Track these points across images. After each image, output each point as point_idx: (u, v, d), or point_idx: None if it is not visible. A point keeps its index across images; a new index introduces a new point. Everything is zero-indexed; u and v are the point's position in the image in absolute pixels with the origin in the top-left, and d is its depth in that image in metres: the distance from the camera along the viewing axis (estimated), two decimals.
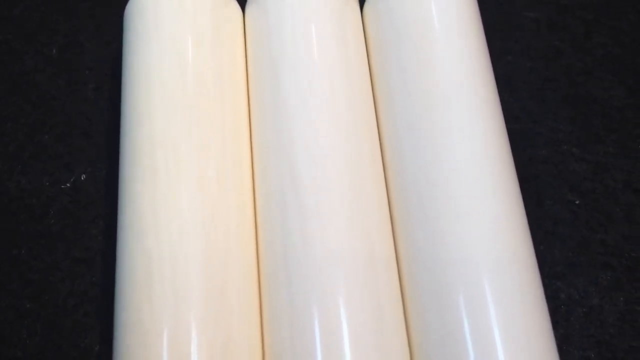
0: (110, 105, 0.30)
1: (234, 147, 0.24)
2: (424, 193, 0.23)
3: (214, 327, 0.21)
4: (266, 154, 0.24)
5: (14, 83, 0.31)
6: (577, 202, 0.28)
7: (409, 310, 0.23)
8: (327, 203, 0.22)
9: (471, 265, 0.22)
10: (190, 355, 0.20)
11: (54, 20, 0.32)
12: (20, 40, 0.32)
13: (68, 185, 0.28)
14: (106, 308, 0.25)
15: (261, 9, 0.27)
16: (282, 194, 0.23)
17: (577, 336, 0.26)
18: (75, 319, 0.25)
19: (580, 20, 0.33)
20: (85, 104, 0.30)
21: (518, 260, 0.22)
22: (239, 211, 0.23)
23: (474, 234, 0.22)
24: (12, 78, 0.31)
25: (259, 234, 0.24)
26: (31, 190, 0.28)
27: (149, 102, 0.24)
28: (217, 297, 0.21)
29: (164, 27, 0.25)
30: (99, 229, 0.27)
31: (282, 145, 0.24)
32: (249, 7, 0.28)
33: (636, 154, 0.29)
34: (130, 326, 0.21)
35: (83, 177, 0.28)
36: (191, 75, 0.24)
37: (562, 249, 0.27)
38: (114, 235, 0.24)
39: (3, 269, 0.26)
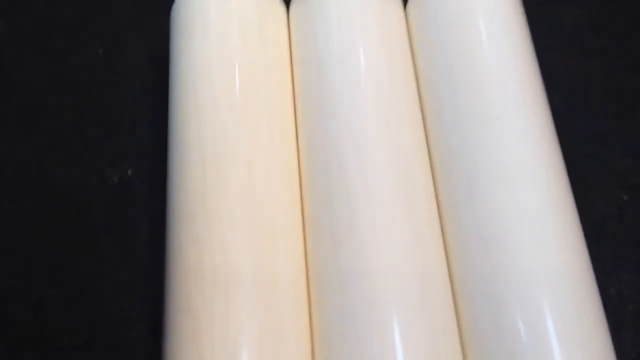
0: (155, 103, 0.30)
1: (281, 146, 0.24)
2: (478, 209, 0.23)
3: (264, 314, 0.21)
4: (313, 154, 0.24)
5: (62, 80, 0.31)
6: (625, 197, 0.28)
7: (465, 334, 0.22)
8: (377, 202, 0.22)
9: (530, 288, 0.21)
10: (240, 347, 0.20)
11: (99, 20, 0.33)
12: (67, 40, 0.32)
13: (115, 180, 0.28)
14: (154, 302, 0.26)
15: (307, 8, 0.27)
16: (330, 195, 0.23)
17: (629, 332, 0.25)
18: (123, 311, 0.26)
19: (623, 17, 0.33)
20: (131, 101, 0.30)
21: (579, 281, 0.21)
22: (287, 208, 0.23)
23: (532, 253, 0.21)
24: (59, 76, 0.31)
25: (307, 232, 0.24)
26: (78, 186, 0.28)
27: (197, 99, 0.24)
28: (268, 290, 0.21)
29: (210, 26, 0.26)
30: (145, 224, 0.27)
31: (329, 146, 0.24)
32: (293, 6, 0.28)
33: None
34: (181, 315, 0.21)
35: (129, 172, 0.29)
36: (238, 73, 0.25)
37: (611, 246, 0.27)
38: (160, 230, 0.24)
39: (51, 263, 0.27)
